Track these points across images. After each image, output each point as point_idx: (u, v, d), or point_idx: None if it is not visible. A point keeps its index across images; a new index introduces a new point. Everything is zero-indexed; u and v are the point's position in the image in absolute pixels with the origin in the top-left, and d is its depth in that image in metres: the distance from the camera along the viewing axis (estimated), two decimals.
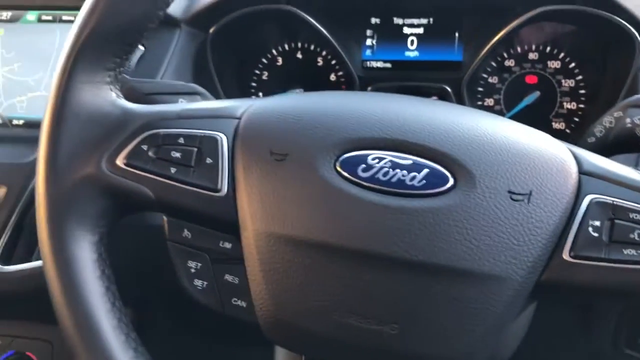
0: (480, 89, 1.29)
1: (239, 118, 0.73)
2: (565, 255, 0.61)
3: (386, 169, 0.66)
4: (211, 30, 1.23)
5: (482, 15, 1.25)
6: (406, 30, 1.30)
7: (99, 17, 0.70)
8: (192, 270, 0.72)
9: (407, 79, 1.29)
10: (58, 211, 0.69)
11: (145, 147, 0.71)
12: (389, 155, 0.67)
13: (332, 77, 1.35)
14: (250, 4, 1.21)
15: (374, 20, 1.31)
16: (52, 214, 0.69)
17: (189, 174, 0.70)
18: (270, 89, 1.37)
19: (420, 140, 0.68)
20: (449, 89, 1.26)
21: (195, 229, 0.72)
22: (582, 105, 1.26)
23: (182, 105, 0.78)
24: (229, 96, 1.31)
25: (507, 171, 0.65)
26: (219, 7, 1.18)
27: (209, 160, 0.70)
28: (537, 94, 1.26)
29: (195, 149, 0.70)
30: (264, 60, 1.37)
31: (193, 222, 0.73)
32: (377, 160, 0.67)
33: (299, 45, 1.36)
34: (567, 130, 1.28)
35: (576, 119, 1.27)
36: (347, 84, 1.34)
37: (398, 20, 1.30)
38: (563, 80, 1.26)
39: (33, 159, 1.08)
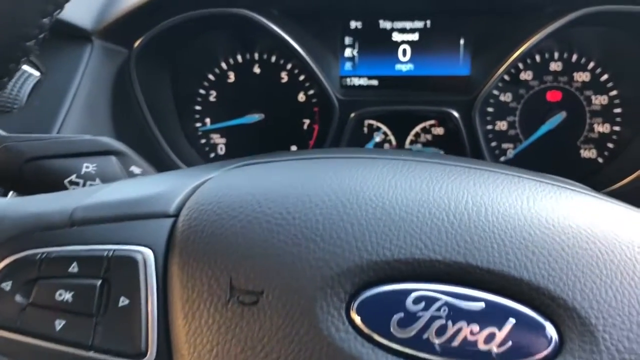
0: (490, 109, 1.02)
1: (175, 216, 0.44)
2: None
3: (441, 321, 0.40)
4: (136, 44, 0.90)
5: (495, 16, 0.97)
6: (396, 36, 1.01)
7: None
8: None
9: (400, 101, 1.00)
10: None
11: (7, 286, 0.40)
12: (442, 294, 0.40)
13: (301, 97, 1.05)
14: (187, 8, 0.88)
15: (354, 24, 1.01)
16: None
17: (89, 330, 0.43)
18: (220, 114, 1.06)
19: (496, 265, 0.40)
20: (456, 114, 0.97)
21: None
22: (616, 128, 1.01)
23: (79, 193, 0.47)
24: (165, 129, 0.99)
25: None
26: (145, 13, 0.85)
27: (123, 302, 0.44)
28: (562, 115, 0.99)
29: (99, 283, 0.43)
30: (211, 77, 1.05)
31: None
32: (422, 304, 0.40)
33: (256, 56, 1.05)
34: (599, 160, 1.02)
35: (610, 145, 1.01)
36: (322, 106, 1.04)
37: (385, 24, 1.01)
38: (593, 97, 1.00)
39: None
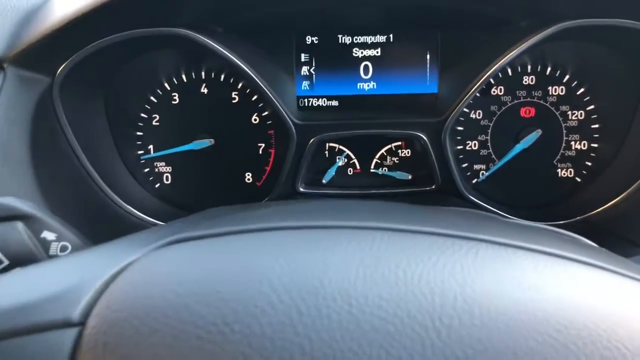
0: (459, 128, 0.94)
1: (81, 324, 0.36)
2: None
3: None
4: (59, 71, 0.78)
5: (464, 30, 0.89)
6: (357, 52, 0.92)
7: None
8: None
9: (363, 124, 0.91)
10: None
11: None
12: None
13: (254, 118, 0.95)
14: (117, 29, 0.77)
15: (310, 39, 0.92)
16: None
17: None
18: (165, 140, 0.95)
19: None
20: (424, 138, 0.89)
21: None
22: (594, 145, 0.94)
23: None
24: (99, 161, 0.87)
25: None
26: (68, 36, 0.73)
27: None
28: (537, 132, 0.92)
29: None
30: (153, 99, 0.94)
31: None
32: None
33: (203, 75, 0.94)
34: (578, 179, 0.95)
35: (588, 164, 0.94)
36: (278, 129, 0.94)
37: (345, 39, 0.91)
38: (569, 112, 0.93)
39: None
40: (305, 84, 0.93)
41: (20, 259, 0.50)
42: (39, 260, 0.50)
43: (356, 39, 0.91)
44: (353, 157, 0.95)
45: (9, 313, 0.35)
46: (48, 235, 0.52)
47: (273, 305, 0.33)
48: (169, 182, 0.97)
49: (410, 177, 0.95)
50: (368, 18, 0.89)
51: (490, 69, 0.83)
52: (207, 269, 0.37)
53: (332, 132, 0.90)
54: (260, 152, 0.96)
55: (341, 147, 0.95)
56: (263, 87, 0.86)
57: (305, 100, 0.93)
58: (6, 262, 0.49)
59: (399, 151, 0.95)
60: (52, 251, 0.52)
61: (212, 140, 0.95)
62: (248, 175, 0.97)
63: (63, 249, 0.52)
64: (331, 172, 0.95)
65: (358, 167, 0.96)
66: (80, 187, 0.85)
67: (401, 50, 0.91)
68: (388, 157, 0.95)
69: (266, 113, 0.95)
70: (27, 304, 0.36)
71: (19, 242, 0.50)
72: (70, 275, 0.38)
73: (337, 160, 0.95)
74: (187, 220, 0.48)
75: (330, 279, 0.35)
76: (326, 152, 0.95)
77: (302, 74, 0.92)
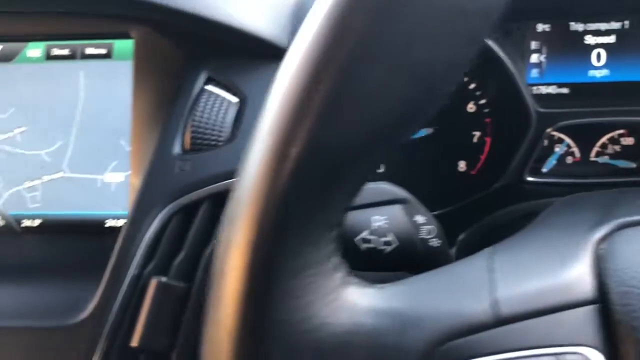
0: None
1: (596, 302, 0.36)
2: None
3: None
4: None
5: None
6: (589, 39, 0.91)
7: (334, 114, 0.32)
8: None
9: (596, 113, 0.90)
10: None
11: None
12: None
13: (470, 107, 0.95)
14: None
15: (541, 27, 0.91)
16: None
17: None
18: None
19: None
20: None
21: None
22: None
23: (473, 271, 0.38)
24: None
25: None
26: None
27: None
28: None
29: None
30: None
31: None
32: None
33: None
34: None
35: None
36: (496, 117, 0.94)
37: (577, 26, 0.91)
38: None
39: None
40: (534, 72, 0.93)
41: (404, 241, 0.52)
42: (416, 242, 0.52)
43: (589, 27, 0.91)
44: (573, 145, 0.95)
45: (542, 289, 0.36)
46: (419, 218, 0.53)
47: None
48: (382, 170, 0.99)
49: (634, 165, 0.94)
50: (603, 5, 0.88)
51: None
52: None
53: (569, 120, 0.90)
54: (475, 141, 0.97)
55: (561, 135, 0.94)
56: (514, 74, 0.86)
57: (535, 87, 0.93)
58: (397, 243, 0.51)
59: (621, 139, 0.94)
60: (421, 234, 0.54)
61: (431, 129, 0.96)
62: (461, 163, 0.98)
63: (430, 232, 0.54)
64: (552, 161, 0.95)
65: (578, 155, 0.95)
66: None
67: (637, 37, 0.90)
68: (609, 145, 0.95)
69: (483, 101, 0.95)
70: (543, 287, 0.37)
71: (403, 226, 0.52)
72: (555, 259, 0.39)
73: (557, 149, 0.95)
74: (615, 205, 0.48)
75: None
76: (545, 140, 0.95)
77: (532, 61, 0.92)
